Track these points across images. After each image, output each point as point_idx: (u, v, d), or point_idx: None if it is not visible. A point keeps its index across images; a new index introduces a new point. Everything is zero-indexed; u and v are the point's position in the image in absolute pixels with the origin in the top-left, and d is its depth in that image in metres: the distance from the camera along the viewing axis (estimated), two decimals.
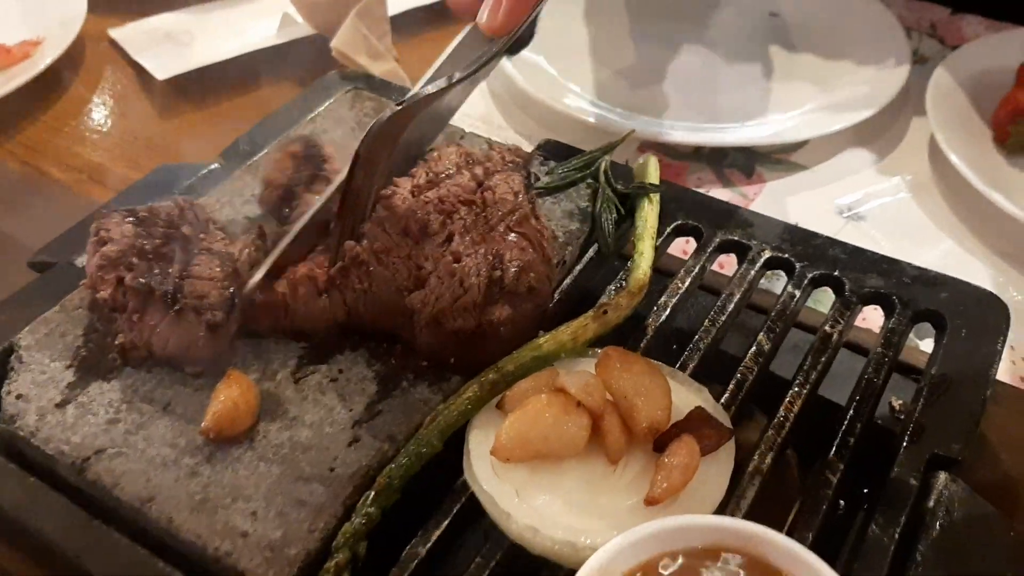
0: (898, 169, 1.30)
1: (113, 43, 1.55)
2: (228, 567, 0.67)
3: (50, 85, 1.45)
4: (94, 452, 0.74)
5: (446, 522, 0.69)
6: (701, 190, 1.27)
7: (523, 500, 0.66)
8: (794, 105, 1.37)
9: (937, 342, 0.84)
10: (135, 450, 0.74)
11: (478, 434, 0.71)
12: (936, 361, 0.81)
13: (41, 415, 0.76)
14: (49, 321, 0.84)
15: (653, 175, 0.94)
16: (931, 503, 0.71)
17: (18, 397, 0.78)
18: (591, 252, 0.92)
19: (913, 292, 0.86)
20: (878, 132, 1.35)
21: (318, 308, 0.80)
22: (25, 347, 0.82)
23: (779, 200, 1.26)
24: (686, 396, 0.72)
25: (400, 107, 0.80)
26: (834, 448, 0.74)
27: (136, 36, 1.54)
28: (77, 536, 0.70)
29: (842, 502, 0.81)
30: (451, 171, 0.90)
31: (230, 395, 0.74)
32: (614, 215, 0.91)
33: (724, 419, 0.71)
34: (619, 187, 0.94)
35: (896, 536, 0.68)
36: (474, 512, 0.70)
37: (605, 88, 1.41)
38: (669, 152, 1.33)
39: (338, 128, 1.06)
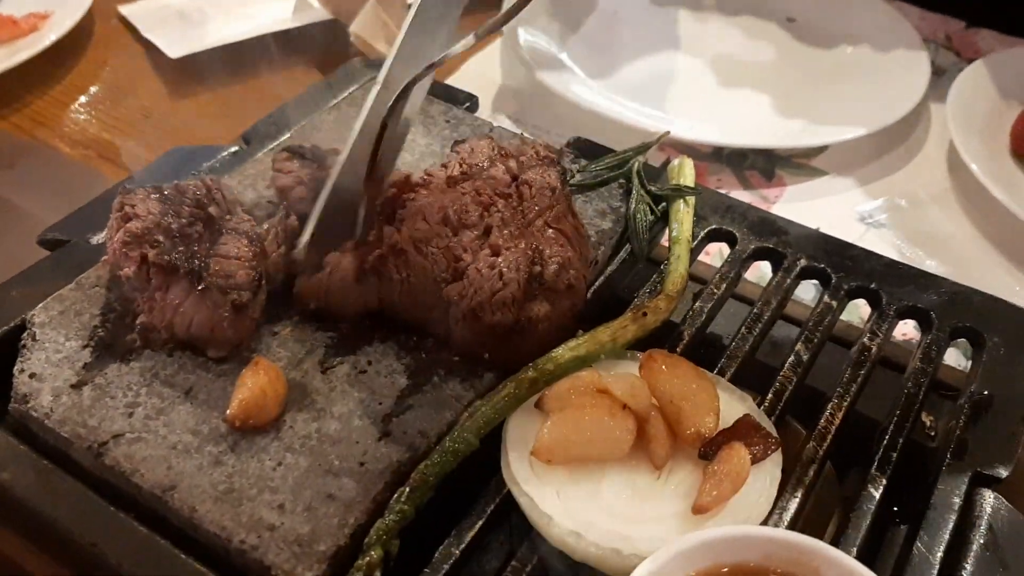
0: (917, 178, 1.30)
1: (123, 20, 1.51)
2: (254, 561, 0.64)
3: (58, 60, 1.41)
4: (112, 436, 0.71)
5: (480, 522, 0.67)
6: (722, 192, 1.26)
7: (564, 503, 0.64)
8: (813, 110, 1.36)
9: (975, 359, 0.83)
10: (155, 436, 0.71)
11: (515, 433, 0.69)
12: (975, 378, 0.80)
13: (56, 396, 0.73)
14: (64, 299, 0.81)
15: (689, 177, 0.92)
16: (975, 521, 0.70)
17: (31, 376, 0.75)
18: (623, 253, 0.91)
19: (950, 308, 0.85)
20: (896, 140, 1.35)
21: (354, 292, 0.78)
22: (39, 324, 0.79)
23: (800, 204, 1.25)
24: (730, 403, 0.70)
25: (425, 70, 0.77)
26: (876, 462, 0.73)
27: (147, 14, 1.51)
28: (93, 524, 0.67)
29: None
30: (485, 164, 0.87)
31: (258, 382, 0.71)
32: (650, 216, 0.89)
33: (770, 428, 0.69)
34: (653, 188, 0.92)
35: (941, 554, 0.67)
36: (508, 512, 0.68)
37: (627, 88, 1.40)
38: (688, 153, 1.31)
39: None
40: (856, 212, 1.23)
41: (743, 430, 0.66)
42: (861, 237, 1.18)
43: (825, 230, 0.93)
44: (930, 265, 1.16)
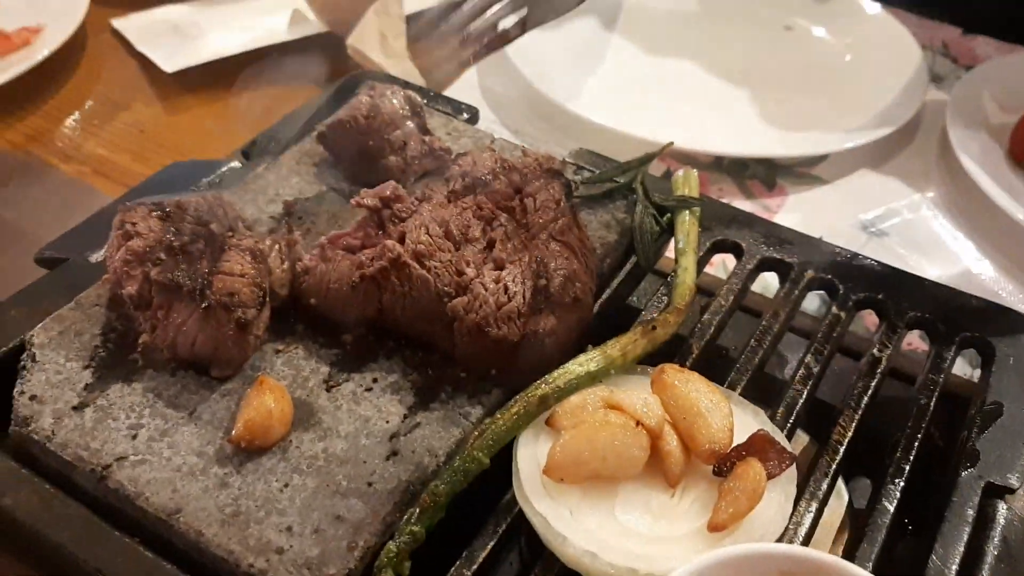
0: (918, 185, 1.30)
1: (116, 34, 1.50)
2: None
3: (51, 74, 1.40)
4: (115, 459, 0.69)
5: (492, 543, 0.66)
6: (723, 201, 1.26)
7: (578, 522, 0.63)
8: (813, 118, 1.36)
9: (985, 369, 0.82)
10: (160, 458, 0.70)
11: (526, 451, 0.68)
12: (985, 388, 0.80)
13: (57, 418, 0.72)
14: (64, 319, 0.80)
15: (694, 188, 0.91)
16: (989, 532, 0.69)
17: (32, 398, 0.73)
18: (629, 264, 0.90)
19: (957, 318, 0.84)
20: (896, 148, 1.35)
21: (353, 297, 0.77)
22: (39, 345, 0.77)
23: (802, 213, 1.24)
24: (743, 418, 0.70)
25: None
26: (888, 476, 0.72)
27: (140, 27, 1.50)
28: (97, 548, 0.65)
29: None
30: (487, 177, 0.86)
31: (263, 402, 0.70)
32: (655, 228, 0.89)
33: (784, 443, 0.68)
34: (658, 199, 0.91)
35: (956, 566, 0.67)
36: (520, 531, 0.67)
37: (627, 99, 1.39)
38: (689, 162, 1.31)
39: None
40: (858, 221, 1.23)
41: (758, 445, 0.65)
42: (864, 246, 1.18)
43: (828, 239, 0.93)
44: (933, 273, 1.15)
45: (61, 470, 0.70)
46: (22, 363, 0.76)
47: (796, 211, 1.24)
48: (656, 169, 1.08)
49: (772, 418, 0.74)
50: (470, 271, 0.77)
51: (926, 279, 0.88)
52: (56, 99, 1.37)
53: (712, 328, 0.82)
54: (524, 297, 0.75)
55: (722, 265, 1.09)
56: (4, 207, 1.15)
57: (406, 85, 1.12)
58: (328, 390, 0.76)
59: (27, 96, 1.36)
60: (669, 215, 0.91)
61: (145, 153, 1.27)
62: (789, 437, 0.74)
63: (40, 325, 0.79)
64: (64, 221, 0.96)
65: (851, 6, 1.58)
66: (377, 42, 1.35)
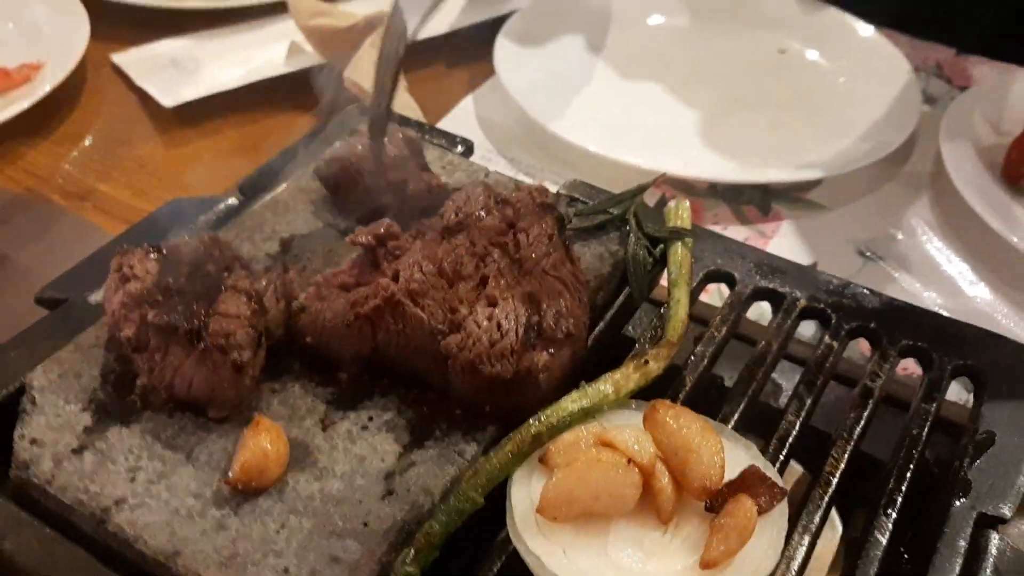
0: (913, 208, 1.31)
1: (116, 69, 1.52)
2: None
3: (52, 110, 1.41)
4: (114, 502, 0.70)
5: None
6: (719, 227, 1.27)
7: (571, 561, 0.64)
8: (807, 142, 1.37)
9: (977, 397, 0.83)
10: (158, 500, 0.70)
11: (520, 489, 0.68)
12: (977, 417, 0.80)
13: (57, 461, 0.73)
14: (63, 361, 0.81)
15: (686, 219, 0.92)
16: (982, 563, 0.70)
17: (32, 442, 0.74)
18: (622, 296, 0.91)
19: (950, 346, 0.85)
20: (891, 170, 1.36)
21: (348, 335, 0.78)
22: (38, 388, 0.78)
23: (797, 238, 1.25)
24: (734, 452, 0.70)
25: None
26: (881, 508, 0.72)
27: (140, 62, 1.52)
28: None
29: None
30: (480, 212, 0.87)
31: (259, 443, 0.71)
32: (649, 260, 0.89)
33: (776, 478, 0.68)
34: (651, 231, 0.92)
35: None
36: (514, 569, 0.67)
37: (621, 126, 1.40)
38: (684, 189, 1.32)
39: None
40: (853, 245, 1.23)
41: (749, 481, 0.65)
42: (860, 270, 1.19)
43: (824, 264, 0.94)
44: (928, 296, 1.16)
45: (61, 513, 0.71)
46: (22, 406, 0.77)
47: (792, 236, 1.25)
48: (650, 197, 1.08)
49: (764, 451, 0.75)
50: (463, 308, 0.78)
51: (918, 307, 0.89)
52: (57, 135, 1.39)
53: (705, 360, 0.83)
54: (517, 334, 0.76)
55: (717, 291, 1.10)
56: (6, 245, 1.16)
57: (402, 120, 1.13)
58: (324, 429, 0.76)
59: (28, 132, 1.37)
60: (662, 246, 0.92)
61: (145, 188, 1.28)
62: (782, 470, 0.75)
63: (40, 367, 0.80)
64: (65, 258, 0.97)
65: (844, 28, 1.59)
66: (374, 73, 1.36)
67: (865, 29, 1.57)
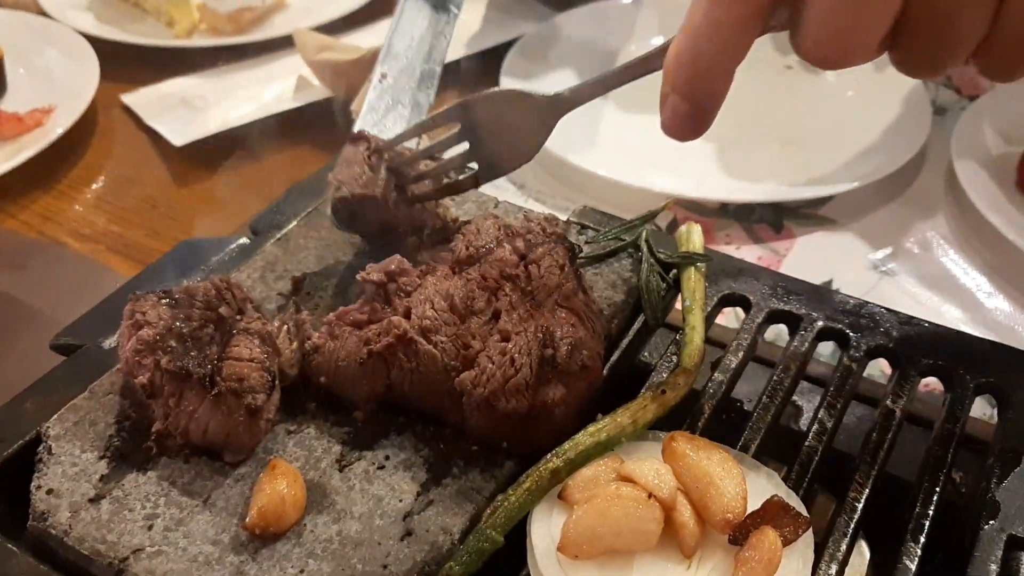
0: (927, 221, 1.30)
1: (126, 109, 1.53)
2: None
3: (64, 153, 1.43)
4: (132, 551, 0.70)
5: None
6: (731, 247, 1.26)
7: None
8: (817, 158, 1.36)
9: (1001, 415, 0.81)
10: (176, 548, 0.70)
11: (540, 526, 0.68)
12: (1001, 435, 0.79)
13: (74, 512, 0.72)
14: (78, 408, 0.80)
15: (698, 243, 0.91)
16: None
17: (49, 492, 0.74)
18: (637, 324, 0.90)
19: (972, 363, 0.84)
20: (903, 184, 1.35)
21: (362, 374, 0.78)
22: (54, 437, 0.78)
23: (812, 256, 1.24)
24: (756, 482, 0.69)
25: None
26: (908, 533, 0.71)
27: (149, 102, 1.53)
28: None
29: None
30: (491, 245, 0.87)
31: (276, 488, 0.70)
32: (662, 285, 0.89)
33: (800, 507, 0.67)
34: (663, 256, 0.91)
35: None
36: None
37: (629, 148, 1.40)
38: (695, 209, 1.31)
39: None
40: (868, 260, 1.22)
41: (772, 512, 0.64)
42: (875, 286, 1.17)
43: (839, 280, 0.93)
44: (946, 310, 1.15)
45: (79, 564, 0.70)
46: (38, 456, 0.77)
47: (805, 254, 1.24)
48: (662, 219, 1.08)
49: (787, 478, 0.73)
50: (476, 344, 0.78)
51: (937, 325, 0.87)
52: (69, 178, 1.40)
53: (723, 387, 0.82)
54: (531, 368, 0.75)
55: (733, 314, 1.09)
56: (19, 289, 1.17)
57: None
58: (341, 470, 0.76)
59: (40, 176, 1.38)
60: (675, 271, 0.91)
61: (158, 228, 1.29)
62: (805, 497, 0.74)
63: (55, 416, 0.80)
64: (79, 301, 0.98)
65: None
66: None
67: None
